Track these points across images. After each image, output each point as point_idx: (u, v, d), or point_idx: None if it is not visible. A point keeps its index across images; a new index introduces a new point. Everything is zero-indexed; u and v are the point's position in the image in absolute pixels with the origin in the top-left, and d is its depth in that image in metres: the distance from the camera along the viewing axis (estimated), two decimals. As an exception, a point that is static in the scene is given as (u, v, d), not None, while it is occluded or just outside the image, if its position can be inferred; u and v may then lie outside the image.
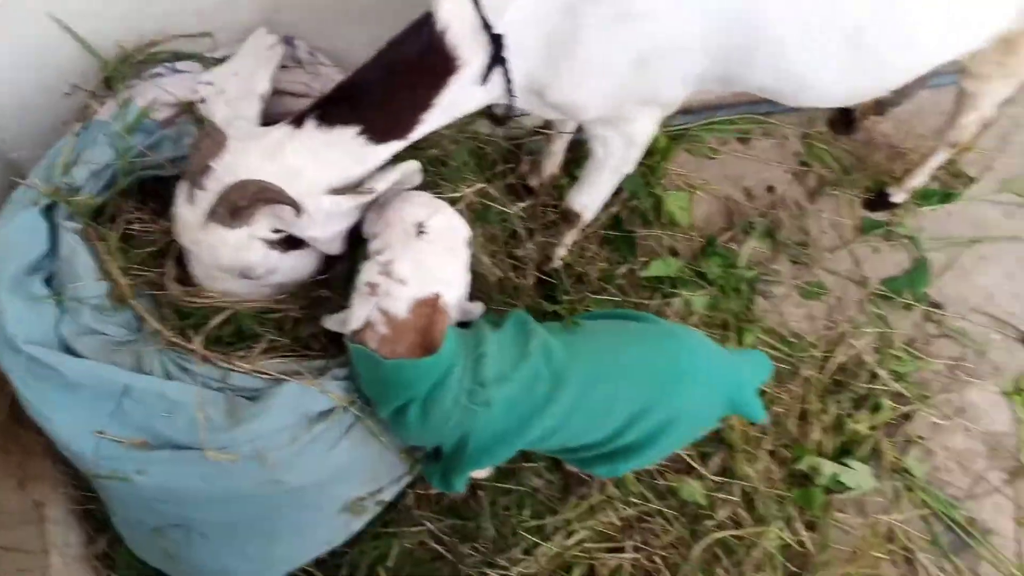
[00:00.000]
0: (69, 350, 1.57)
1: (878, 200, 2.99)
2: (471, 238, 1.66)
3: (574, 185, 2.18)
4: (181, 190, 1.61)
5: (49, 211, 1.66)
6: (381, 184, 1.66)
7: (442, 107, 1.60)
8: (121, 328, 1.65)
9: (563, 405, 1.61)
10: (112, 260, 1.65)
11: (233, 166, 1.55)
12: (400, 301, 1.53)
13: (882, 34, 1.62)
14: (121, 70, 1.83)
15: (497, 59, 1.53)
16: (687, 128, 3.00)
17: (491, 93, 1.63)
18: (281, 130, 1.59)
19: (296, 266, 1.76)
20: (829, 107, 1.92)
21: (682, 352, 1.74)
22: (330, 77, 1.96)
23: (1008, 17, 1.79)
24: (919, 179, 2.92)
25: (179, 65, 1.86)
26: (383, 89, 1.57)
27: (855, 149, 3.15)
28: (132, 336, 1.65)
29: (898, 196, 2.96)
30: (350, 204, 1.64)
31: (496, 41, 1.50)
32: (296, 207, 1.57)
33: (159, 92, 1.77)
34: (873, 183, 3.05)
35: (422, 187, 1.83)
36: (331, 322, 1.69)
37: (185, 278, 1.73)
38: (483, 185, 2.03)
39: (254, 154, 1.56)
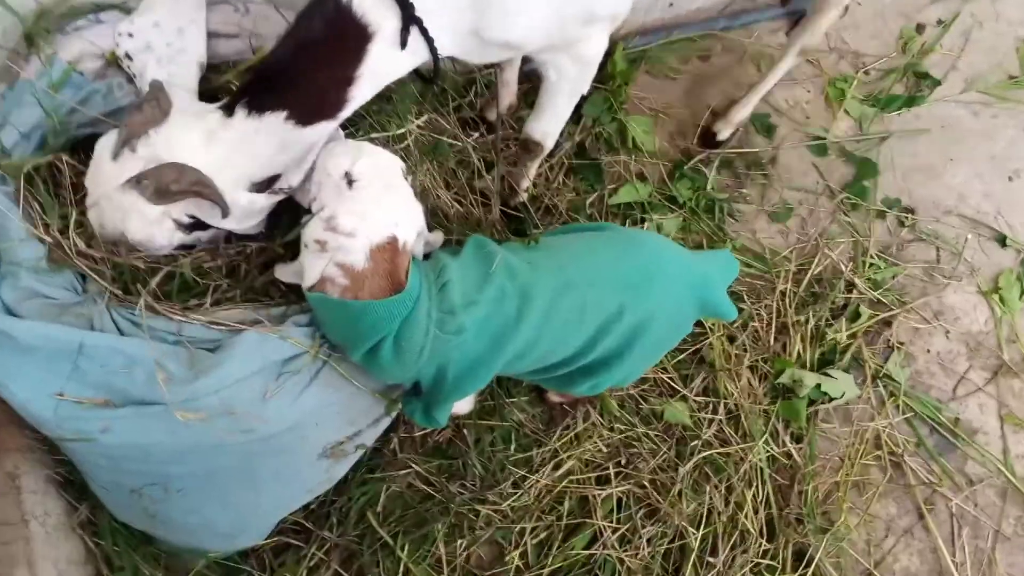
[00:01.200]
0: (13, 316, 1.51)
1: (705, 138, 2.88)
2: (405, 168, 1.60)
3: (531, 114, 2.12)
4: (107, 141, 1.54)
5: (-18, 177, 1.59)
6: (295, 178, 1.63)
7: (366, 79, 1.53)
8: (64, 290, 1.58)
9: (534, 319, 1.58)
10: (48, 220, 1.59)
11: (172, 142, 1.52)
12: (355, 252, 1.48)
13: None
14: (42, 26, 1.74)
15: (410, 19, 1.47)
16: (646, 49, 2.94)
17: (417, 54, 1.57)
18: (215, 116, 1.55)
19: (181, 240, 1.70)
20: None
21: (648, 253, 1.71)
22: (261, 14, 1.88)
23: None
24: (747, 108, 2.81)
25: (102, 16, 1.77)
26: (302, 69, 1.51)
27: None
28: (77, 298, 1.59)
29: (725, 131, 2.85)
30: (264, 203, 1.62)
31: (403, 2, 1.45)
32: (225, 209, 1.54)
33: (84, 45, 1.68)
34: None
35: (366, 123, 1.79)
36: (285, 272, 1.65)
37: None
38: (429, 116, 1.96)
39: (194, 135, 1.53)
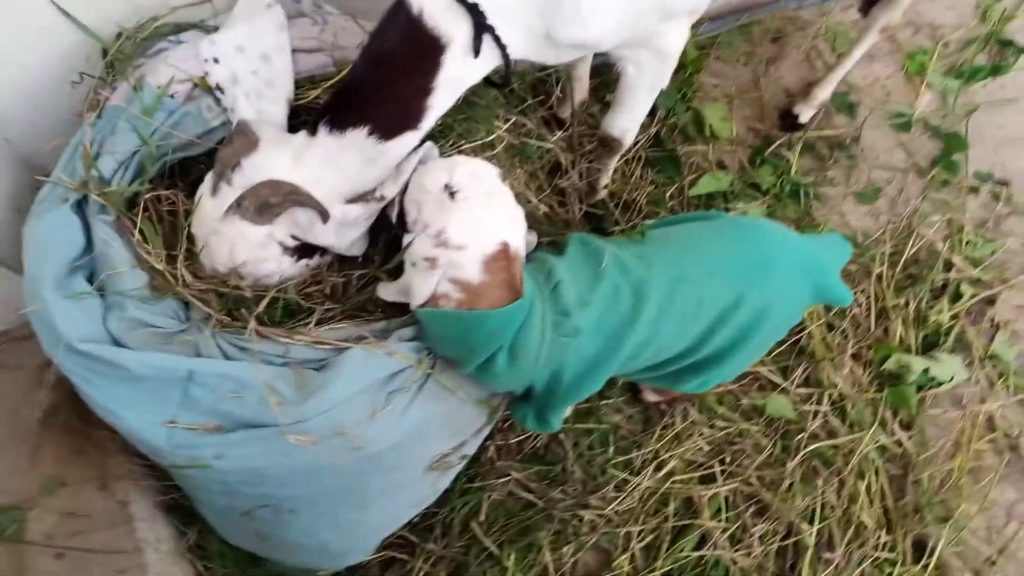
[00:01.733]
0: (120, 346, 1.51)
1: (786, 120, 2.77)
2: (502, 173, 1.56)
3: (609, 110, 2.07)
4: (206, 182, 1.59)
5: (79, 206, 1.59)
6: (391, 189, 1.61)
7: (443, 88, 1.52)
8: (168, 318, 1.57)
9: (650, 315, 1.52)
10: (150, 249, 1.59)
11: (262, 167, 1.54)
12: (469, 265, 1.43)
13: None
14: (124, 51, 1.75)
15: (482, 27, 1.45)
16: (716, 35, 2.86)
17: (490, 61, 1.55)
18: (300, 138, 1.58)
19: (300, 272, 1.72)
20: None
21: (764, 240, 1.63)
22: (339, 25, 1.86)
23: None
24: (829, 88, 2.70)
25: (182, 36, 1.78)
26: (380, 84, 1.51)
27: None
28: (181, 325, 1.58)
29: (807, 113, 2.74)
30: (360, 213, 1.60)
31: (474, 10, 1.43)
32: (324, 214, 1.54)
33: (169, 68, 1.68)
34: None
35: (454, 134, 1.76)
36: (388, 292, 1.62)
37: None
38: (516, 118, 1.92)
39: (283, 158, 1.55)
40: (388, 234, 1.74)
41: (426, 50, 1.47)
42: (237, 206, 1.51)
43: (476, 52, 1.48)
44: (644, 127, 2.63)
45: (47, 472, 1.78)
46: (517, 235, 1.50)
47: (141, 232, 1.56)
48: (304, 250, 1.65)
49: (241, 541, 1.91)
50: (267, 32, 1.73)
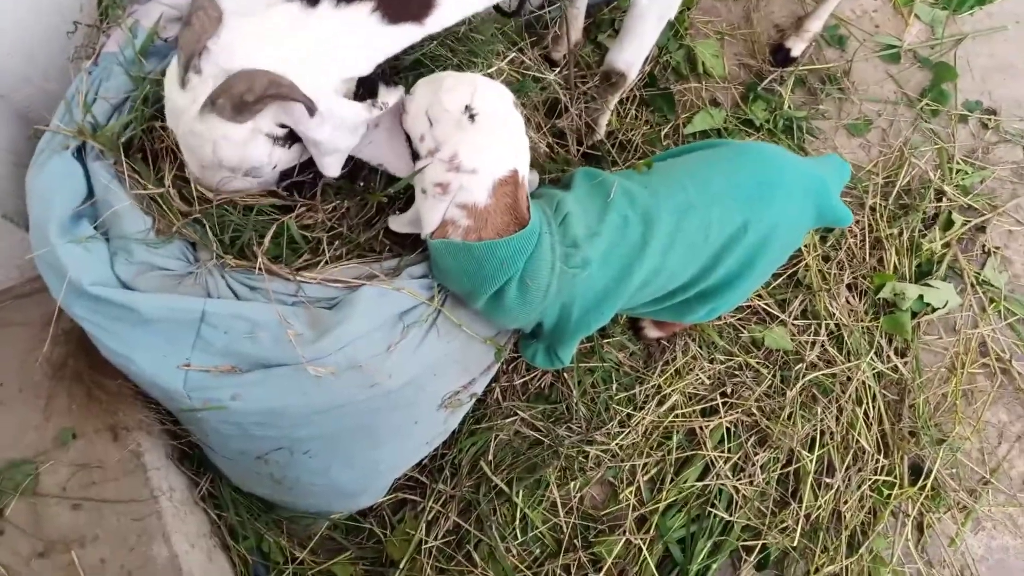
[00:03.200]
0: (131, 290, 1.50)
1: (778, 55, 2.77)
2: (516, 100, 1.55)
3: (615, 42, 2.04)
4: (171, 74, 1.40)
5: (79, 153, 1.57)
6: (392, 97, 1.52)
7: None
8: (176, 260, 1.55)
9: (660, 243, 1.53)
10: (151, 191, 1.55)
11: (231, 47, 1.36)
12: (479, 189, 1.42)
13: None
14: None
15: None
16: (706, -29, 2.84)
17: None
18: (290, 8, 1.38)
19: (295, 155, 1.55)
20: None
21: (766, 164, 1.64)
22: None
23: None
24: (820, 21, 2.69)
25: (178, -22, 1.74)
26: None
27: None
28: (190, 267, 1.57)
29: (798, 47, 2.74)
30: (362, 115, 1.48)
31: None
32: (311, 107, 1.37)
33: (163, 8, 1.64)
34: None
35: (452, 65, 1.73)
36: (399, 223, 1.60)
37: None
38: (516, 54, 1.90)
39: (257, 34, 1.37)
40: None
41: None
42: (212, 104, 1.33)
43: None
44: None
45: (59, 424, 1.78)
46: (525, 163, 1.49)
47: (132, 169, 1.52)
48: (294, 136, 1.48)
49: (254, 487, 1.93)
50: None
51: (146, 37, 1.63)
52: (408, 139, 1.59)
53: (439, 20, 1.48)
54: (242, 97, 1.31)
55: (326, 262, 1.59)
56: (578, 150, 2.39)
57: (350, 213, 1.73)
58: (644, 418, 2.24)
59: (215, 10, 1.34)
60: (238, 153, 1.42)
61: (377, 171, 1.69)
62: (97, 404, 1.75)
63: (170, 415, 1.86)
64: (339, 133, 1.47)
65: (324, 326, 1.50)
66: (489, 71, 1.77)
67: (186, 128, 1.39)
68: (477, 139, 1.43)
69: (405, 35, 1.46)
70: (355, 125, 1.49)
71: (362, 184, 1.70)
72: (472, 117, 1.43)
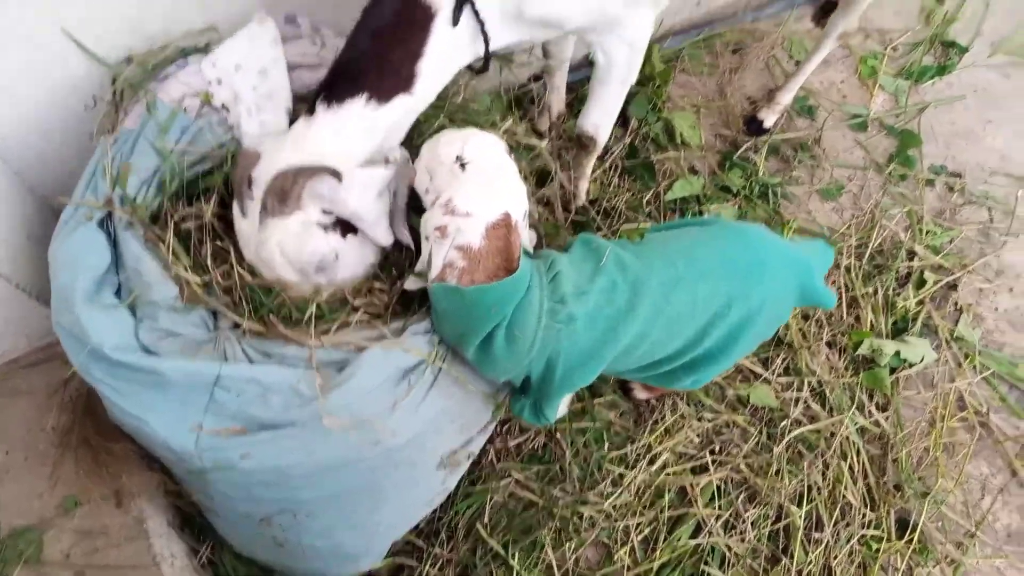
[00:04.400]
0: (151, 354, 1.56)
1: (751, 125, 2.92)
2: (508, 148, 1.67)
3: (583, 107, 2.17)
4: (235, 210, 1.66)
5: (103, 224, 1.65)
6: (398, 153, 1.70)
7: (433, 56, 1.62)
8: (197, 327, 1.64)
9: (645, 311, 1.61)
10: (179, 262, 1.65)
11: (267, 168, 1.61)
12: (473, 231, 1.53)
13: None
14: (135, 76, 1.81)
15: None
16: (680, 48, 3.00)
17: (471, 41, 1.66)
18: (300, 123, 1.65)
19: (358, 253, 1.76)
20: None
21: (755, 244, 1.73)
22: (336, 45, 1.94)
23: None
24: (790, 94, 2.86)
25: (190, 60, 1.84)
26: (374, 53, 1.60)
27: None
28: (210, 334, 1.65)
29: (770, 118, 2.90)
30: (381, 175, 1.66)
31: None
32: (336, 174, 1.60)
33: (179, 85, 1.75)
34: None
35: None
36: (412, 281, 1.69)
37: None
38: (508, 124, 2.02)
39: (284, 152, 1.62)
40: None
41: (417, 17, 1.58)
42: (264, 209, 1.58)
43: (455, 21, 1.59)
44: (618, 137, 2.75)
45: (64, 491, 1.81)
46: (519, 208, 1.60)
47: (170, 247, 1.62)
48: (344, 225, 1.69)
49: (256, 551, 1.95)
50: (262, 47, 1.81)
51: (170, 113, 1.73)
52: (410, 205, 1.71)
53: (426, 88, 1.67)
54: (282, 188, 1.56)
55: (339, 326, 1.67)
56: (565, 216, 2.50)
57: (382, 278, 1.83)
58: (636, 477, 2.29)
59: (253, 152, 1.64)
60: (300, 247, 1.63)
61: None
62: (102, 469, 1.78)
63: (173, 478, 1.89)
64: (369, 198, 1.66)
65: (332, 385, 1.56)
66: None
67: (256, 244, 1.63)
68: (469, 185, 1.55)
69: (402, 109, 1.66)
70: (379, 186, 1.67)
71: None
72: (463, 166, 1.58)
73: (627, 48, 1.92)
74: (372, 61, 1.60)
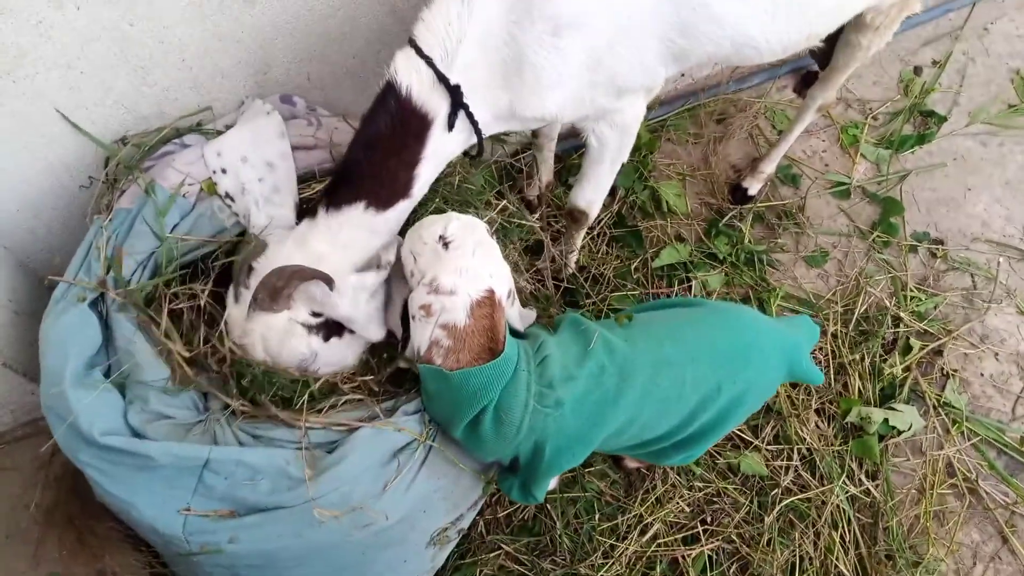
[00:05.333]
0: (141, 438, 1.56)
1: (736, 193, 2.97)
2: (491, 228, 1.70)
3: (575, 183, 2.21)
4: (229, 293, 1.71)
5: (95, 305, 1.66)
6: (392, 253, 1.75)
7: (430, 158, 1.68)
8: (187, 410, 1.64)
9: (634, 396, 1.62)
10: (171, 344, 1.66)
11: (270, 261, 1.66)
12: (458, 310, 1.55)
13: None
14: (130, 157, 1.84)
15: (458, 104, 1.62)
16: (665, 119, 3.07)
17: (465, 135, 1.72)
18: (303, 224, 1.71)
19: (339, 354, 1.79)
20: (772, 60, 1.99)
21: (742, 327, 1.76)
22: (332, 125, 1.99)
23: None
24: (773, 163, 2.92)
25: (186, 139, 1.88)
26: (373, 162, 1.66)
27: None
28: (200, 416, 1.65)
29: (754, 186, 2.96)
30: (374, 279, 1.72)
31: (454, 90, 1.60)
32: (328, 280, 1.64)
33: (177, 173, 1.78)
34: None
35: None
36: (403, 361, 1.71)
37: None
38: (504, 202, 2.06)
39: (287, 248, 1.68)
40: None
41: (415, 124, 1.62)
42: (254, 302, 1.62)
43: (451, 126, 1.64)
44: (606, 206, 2.79)
45: (47, 570, 1.78)
46: (502, 286, 1.62)
47: (164, 329, 1.63)
48: (329, 328, 1.73)
49: (243, 631, 1.91)
50: (269, 140, 1.86)
51: (169, 197, 1.75)
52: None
53: (423, 186, 1.73)
54: (275, 285, 1.59)
55: (331, 406, 1.67)
56: (556, 285, 2.53)
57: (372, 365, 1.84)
58: (627, 548, 2.27)
59: (261, 243, 1.71)
60: (280, 345, 1.67)
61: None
62: (86, 549, 1.76)
63: (159, 558, 1.86)
64: (361, 301, 1.71)
65: (321, 468, 1.56)
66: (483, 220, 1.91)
67: (240, 331, 1.67)
68: (452, 264, 1.58)
69: (400, 211, 1.73)
70: (372, 287, 1.72)
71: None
72: (446, 245, 1.60)
73: (619, 132, 1.97)
74: (371, 170, 1.66)
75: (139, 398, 1.56)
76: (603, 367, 1.63)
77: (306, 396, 1.63)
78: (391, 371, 1.75)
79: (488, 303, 1.58)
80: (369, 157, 1.65)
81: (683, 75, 3.05)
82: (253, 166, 1.80)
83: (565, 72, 1.66)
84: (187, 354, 1.62)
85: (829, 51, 2.43)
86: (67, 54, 1.68)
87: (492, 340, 1.56)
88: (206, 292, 1.75)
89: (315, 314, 1.69)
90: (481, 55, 1.60)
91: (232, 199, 1.80)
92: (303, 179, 1.91)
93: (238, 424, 1.58)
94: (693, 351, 1.69)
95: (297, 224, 1.74)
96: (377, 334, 1.77)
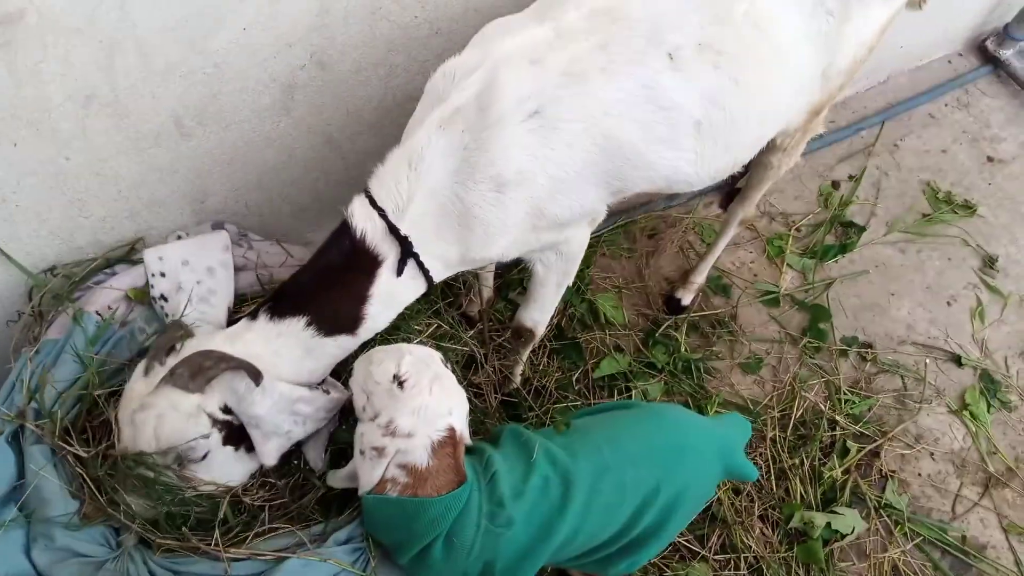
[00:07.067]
0: (42, 577, 1.50)
1: (670, 304, 3.07)
2: (443, 357, 1.71)
3: (522, 304, 2.27)
4: (138, 368, 1.66)
5: (15, 436, 1.63)
6: (336, 393, 1.78)
7: (379, 298, 1.74)
8: (98, 545, 1.57)
9: (578, 505, 1.62)
10: (84, 477, 1.62)
11: (197, 346, 1.64)
12: (418, 451, 1.53)
13: (718, 122, 1.82)
14: (59, 287, 1.85)
15: (408, 253, 1.71)
16: (600, 234, 3.18)
17: (417, 282, 1.80)
18: (240, 324, 1.73)
19: (228, 465, 1.73)
20: (702, 188, 2.15)
21: (676, 427, 1.79)
22: (263, 249, 2.04)
23: (816, 89, 2.07)
24: (703, 274, 3.05)
25: (116, 269, 1.90)
26: (322, 286, 1.73)
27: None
28: (111, 552, 1.58)
29: (687, 297, 3.06)
30: (302, 396, 1.70)
31: (404, 240, 1.70)
32: (256, 375, 1.62)
33: (106, 293, 1.79)
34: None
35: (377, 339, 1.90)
36: (337, 480, 1.68)
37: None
38: (436, 323, 2.10)
39: (215, 341, 1.67)
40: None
41: (364, 263, 1.70)
42: (171, 375, 1.57)
43: (399, 272, 1.71)
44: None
45: None
46: (462, 417, 1.62)
47: (74, 459, 1.59)
48: (231, 432, 1.67)
49: None
50: (213, 249, 1.91)
51: (99, 326, 1.75)
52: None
53: (370, 328, 1.78)
54: (201, 365, 1.57)
55: (255, 535, 1.63)
56: (497, 399, 2.54)
57: (283, 489, 1.81)
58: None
59: (188, 329, 1.73)
60: (180, 426, 1.60)
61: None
62: None
63: None
64: (278, 410, 1.67)
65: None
66: (415, 341, 1.94)
67: (136, 405, 1.60)
68: (408, 404, 1.56)
69: (341, 345, 1.76)
70: (294, 406, 1.69)
71: (300, 463, 1.82)
72: (401, 384, 1.57)
73: (564, 259, 2.06)
74: (319, 292, 1.71)
75: (43, 535, 1.51)
76: (547, 478, 1.64)
77: (222, 522, 1.58)
78: (319, 492, 1.73)
79: (450, 442, 1.57)
80: (319, 281, 1.72)
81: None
82: (193, 269, 1.83)
83: (509, 222, 1.76)
84: (86, 455, 1.57)
85: (745, 170, 2.58)
86: (2, 188, 1.71)
87: (457, 473, 1.56)
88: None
89: (225, 410, 1.65)
90: (430, 210, 1.70)
91: (166, 299, 1.80)
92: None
93: (155, 559, 1.52)
94: (630, 453, 1.71)
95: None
96: (269, 457, 1.71)
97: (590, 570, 1.91)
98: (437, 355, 1.69)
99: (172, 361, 1.62)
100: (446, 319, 2.19)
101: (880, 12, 2.02)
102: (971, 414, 2.95)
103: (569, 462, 1.66)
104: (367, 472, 1.54)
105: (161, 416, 1.59)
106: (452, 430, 1.57)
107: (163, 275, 1.81)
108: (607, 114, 1.71)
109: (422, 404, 1.56)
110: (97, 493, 1.60)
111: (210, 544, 1.58)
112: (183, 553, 1.57)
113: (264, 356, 1.67)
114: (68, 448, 1.61)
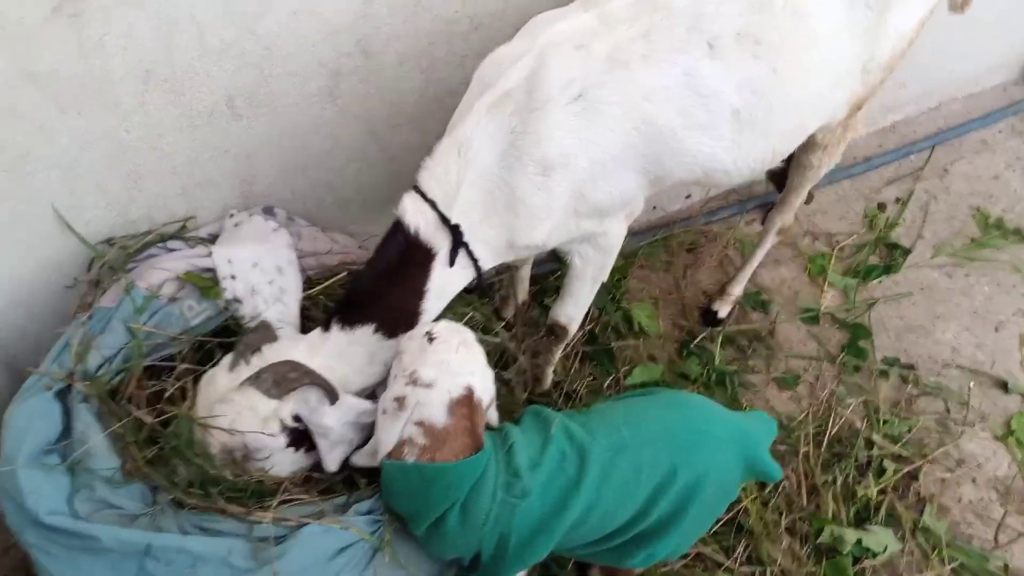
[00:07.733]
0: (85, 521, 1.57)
1: (706, 316, 3.07)
2: (476, 336, 1.76)
3: (557, 299, 2.31)
4: (226, 359, 1.78)
5: (62, 395, 1.72)
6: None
7: (434, 292, 1.83)
8: (135, 501, 1.65)
9: (593, 480, 1.63)
10: (127, 435, 1.70)
11: (281, 353, 1.76)
12: (436, 406, 1.57)
13: (756, 111, 1.86)
14: (115, 259, 1.95)
15: (458, 243, 1.78)
16: (639, 247, 3.20)
17: (467, 273, 1.87)
18: (315, 334, 1.83)
19: (288, 462, 1.81)
20: (742, 181, 2.16)
21: (697, 413, 1.80)
22: (311, 235, 2.12)
23: (856, 82, 2.09)
24: (740, 286, 3.05)
25: (170, 244, 1.99)
26: (383, 288, 1.81)
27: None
28: (146, 509, 1.66)
29: (724, 309, 3.06)
30: (365, 409, 1.77)
31: (455, 229, 1.77)
32: (334, 395, 1.73)
33: (160, 272, 1.88)
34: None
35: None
36: (360, 457, 1.73)
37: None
38: (469, 311, 2.15)
39: (299, 350, 1.78)
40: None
41: (420, 258, 1.77)
42: (256, 378, 1.68)
43: (452, 263, 1.78)
44: (580, 325, 2.86)
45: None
46: (483, 386, 1.65)
47: (123, 421, 1.68)
48: (297, 437, 1.76)
49: None
50: (279, 249, 2.03)
51: (144, 299, 1.84)
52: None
53: (425, 322, 1.84)
54: (285, 375, 1.69)
55: (281, 502, 1.69)
56: (526, 398, 2.56)
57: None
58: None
59: (274, 331, 1.84)
60: (254, 426, 1.71)
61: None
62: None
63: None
64: (348, 426, 1.76)
65: (264, 559, 1.56)
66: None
67: (219, 397, 1.71)
68: (434, 356, 1.62)
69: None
70: (359, 417, 1.77)
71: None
72: (431, 339, 1.65)
73: (602, 253, 2.11)
74: (381, 297, 1.80)
75: (86, 486, 1.58)
76: (564, 452, 1.66)
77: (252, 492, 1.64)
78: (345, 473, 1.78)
79: (467, 402, 1.61)
80: (380, 284, 1.80)
81: (654, 208, 3.22)
82: (263, 270, 1.96)
83: (554, 206, 1.82)
84: (138, 454, 1.66)
85: (785, 174, 2.59)
86: (67, 155, 1.81)
87: (473, 438, 1.59)
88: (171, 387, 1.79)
89: (295, 418, 1.74)
90: (478, 197, 1.76)
91: (240, 301, 1.92)
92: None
93: (185, 515, 1.59)
94: (648, 434, 1.72)
95: (303, 323, 1.89)
96: (333, 464, 1.79)
97: (607, 561, 1.91)
98: (472, 333, 1.75)
99: (256, 361, 1.73)
100: (481, 310, 2.23)
101: (919, 4, 2.04)
102: (1017, 441, 2.86)
103: (587, 438, 1.68)
104: (387, 431, 1.58)
105: (239, 414, 1.70)
106: (471, 390, 1.61)
107: (234, 278, 1.91)
108: (647, 99, 1.76)
109: (446, 359, 1.62)
110: (138, 456, 1.68)
111: (239, 507, 1.63)
112: (210, 513, 1.63)
113: (338, 368, 1.78)
114: (117, 408, 1.68)
